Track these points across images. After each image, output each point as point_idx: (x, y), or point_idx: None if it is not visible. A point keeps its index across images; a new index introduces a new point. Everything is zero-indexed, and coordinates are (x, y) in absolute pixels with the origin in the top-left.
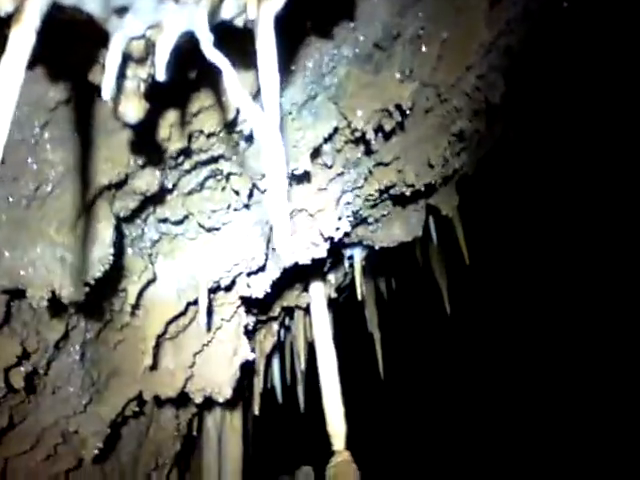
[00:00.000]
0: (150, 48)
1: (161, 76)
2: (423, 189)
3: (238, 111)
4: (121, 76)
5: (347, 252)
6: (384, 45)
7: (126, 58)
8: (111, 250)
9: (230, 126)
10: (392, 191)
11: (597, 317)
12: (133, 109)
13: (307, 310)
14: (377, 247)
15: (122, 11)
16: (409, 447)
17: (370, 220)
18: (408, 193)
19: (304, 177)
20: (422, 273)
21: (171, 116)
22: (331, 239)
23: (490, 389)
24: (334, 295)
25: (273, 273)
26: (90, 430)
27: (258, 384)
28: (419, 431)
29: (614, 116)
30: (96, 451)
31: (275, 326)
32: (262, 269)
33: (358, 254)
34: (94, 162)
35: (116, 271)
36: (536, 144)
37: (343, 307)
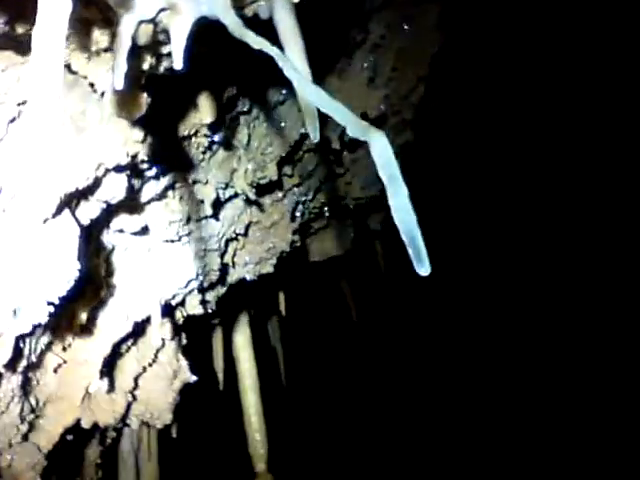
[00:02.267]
0: (157, 34)
1: (179, 65)
2: (364, 202)
3: (220, 113)
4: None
5: None
6: (347, 51)
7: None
8: (77, 265)
9: (205, 129)
10: (337, 204)
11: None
12: (137, 103)
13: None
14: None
15: None
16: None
17: (310, 232)
18: (351, 206)
19: (269, 188)
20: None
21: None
22: (282, 254)
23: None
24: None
25: (220, 290)
26: (25, 462)
27: None
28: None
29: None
30: None
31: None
32: (215, 286)
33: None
34: (59, 164)
35: None
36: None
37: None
